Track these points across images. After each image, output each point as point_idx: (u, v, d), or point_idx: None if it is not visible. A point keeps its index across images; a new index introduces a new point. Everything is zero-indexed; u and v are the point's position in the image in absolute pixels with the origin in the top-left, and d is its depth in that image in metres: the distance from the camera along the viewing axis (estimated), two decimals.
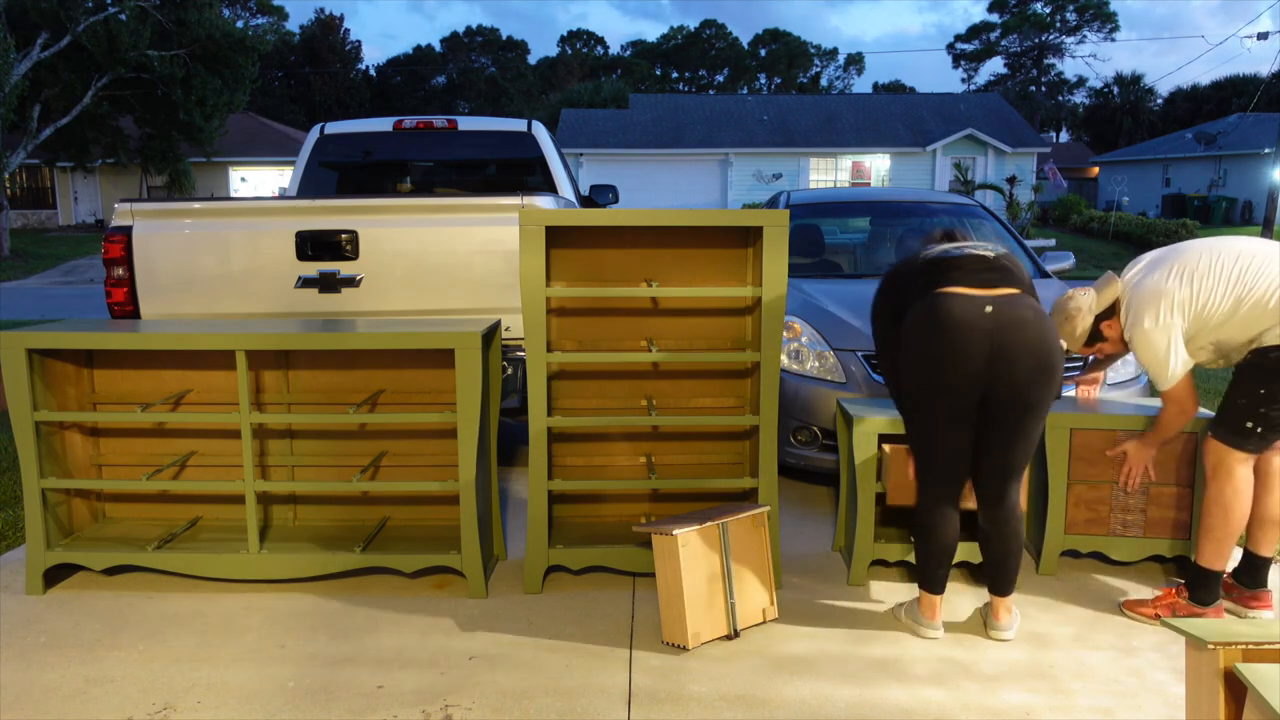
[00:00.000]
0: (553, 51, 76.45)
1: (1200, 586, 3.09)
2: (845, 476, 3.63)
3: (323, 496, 3.73)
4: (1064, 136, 57.84)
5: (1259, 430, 2.98)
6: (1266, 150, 26.42)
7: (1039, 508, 3.59)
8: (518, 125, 5.98)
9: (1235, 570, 3.25)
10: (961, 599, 3.31)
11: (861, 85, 66.48)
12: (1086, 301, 3.17)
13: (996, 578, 2.97)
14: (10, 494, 4.44)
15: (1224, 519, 3.02)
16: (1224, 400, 3.06)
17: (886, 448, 3.29)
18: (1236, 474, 3.02)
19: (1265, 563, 3.19)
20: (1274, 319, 2.92)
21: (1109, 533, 3.47)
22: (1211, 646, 1.90)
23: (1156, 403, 3.71)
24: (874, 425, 3.39)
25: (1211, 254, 3.00)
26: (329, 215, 4.02)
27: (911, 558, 3.48)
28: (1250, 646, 1.89)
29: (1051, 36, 55.92)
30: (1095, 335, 3.22)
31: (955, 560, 3.57)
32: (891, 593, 3.37)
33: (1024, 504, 3.29)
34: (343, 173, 6.12)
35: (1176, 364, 2.99)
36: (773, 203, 6.36)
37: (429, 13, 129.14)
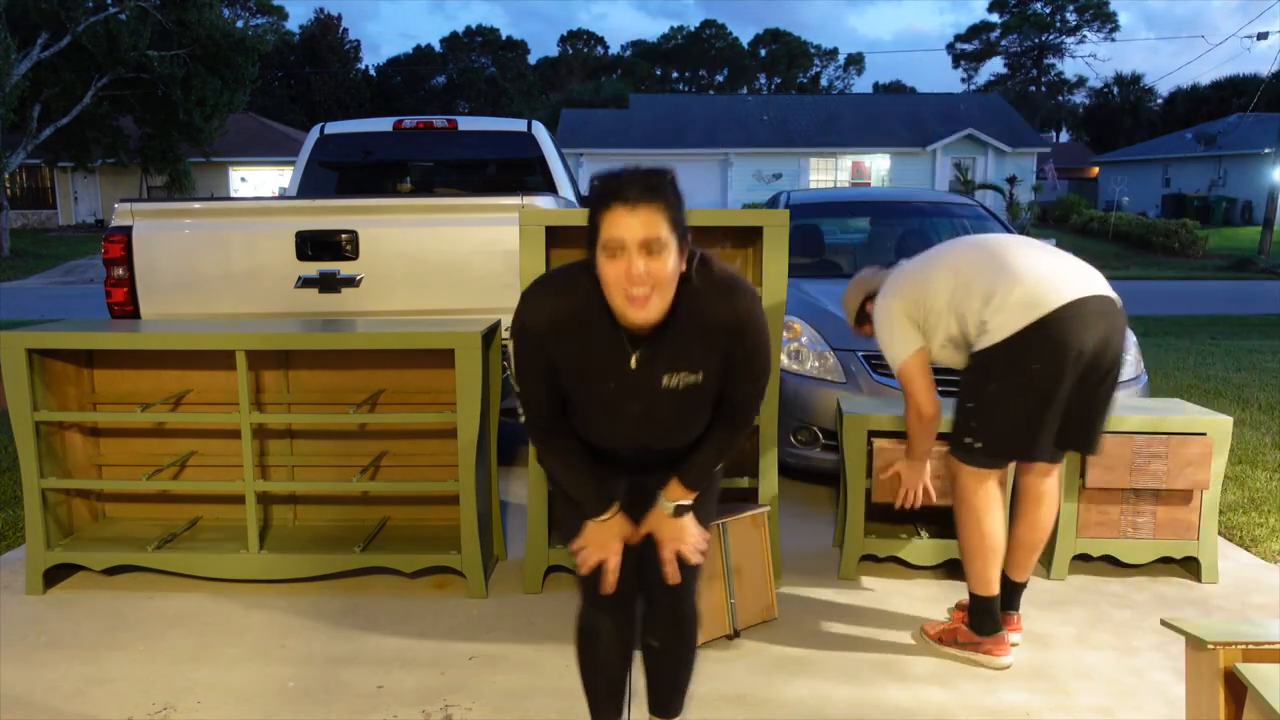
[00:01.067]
0: (553, 51, 76.49)
1: (974, 613, 2.86)
2: (844, 474, 3.64)
3: (323, 496, 3.73)
4: (1064, 136, 57.85)
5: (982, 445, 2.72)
6: (1266, 150, 26.42)
7: None
8: (518, 125, 5.98)
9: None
10: (961, 598, 3.30)
11: (862, 85, 66.54)
12: (863, 279, 3.03)
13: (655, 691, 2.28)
14: (10, 494, 4.44)
15: (973, 541, 2.81)
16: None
17: (876, 442, 3.30)
18: (972, 492, 2.77)
19: (1016, 587, 2.97)
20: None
21: (1119, 535, 3.47)
22: (1211, 646, 1.90)
23: (1158, 403, 3.72)
24: (865, 423, 3.40)
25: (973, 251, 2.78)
26: (329, 215, 4.02)
27: (903, 553, 3.48)
28: (1250, 646, 1.89)
29: (1051, 36, 55.94)
30: (863, 315, 3.05)
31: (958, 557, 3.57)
32: (884, 588, 3.37)
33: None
34: (343, 173, 6.12)
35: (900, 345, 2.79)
36: (773, 203, 6.36)
37: (437, 11, 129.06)
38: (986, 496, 2.78)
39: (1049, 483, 2.87)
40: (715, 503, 2.27)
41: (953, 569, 3.56)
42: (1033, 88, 57.15)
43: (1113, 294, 2.73)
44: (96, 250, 23.09)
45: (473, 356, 3.18)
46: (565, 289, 1.88)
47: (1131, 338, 4.47)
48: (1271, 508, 4.24)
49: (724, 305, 1.85)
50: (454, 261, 4.02)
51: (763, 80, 64.30)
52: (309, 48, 51.09)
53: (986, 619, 2.84)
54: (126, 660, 2.85)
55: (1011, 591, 2.98)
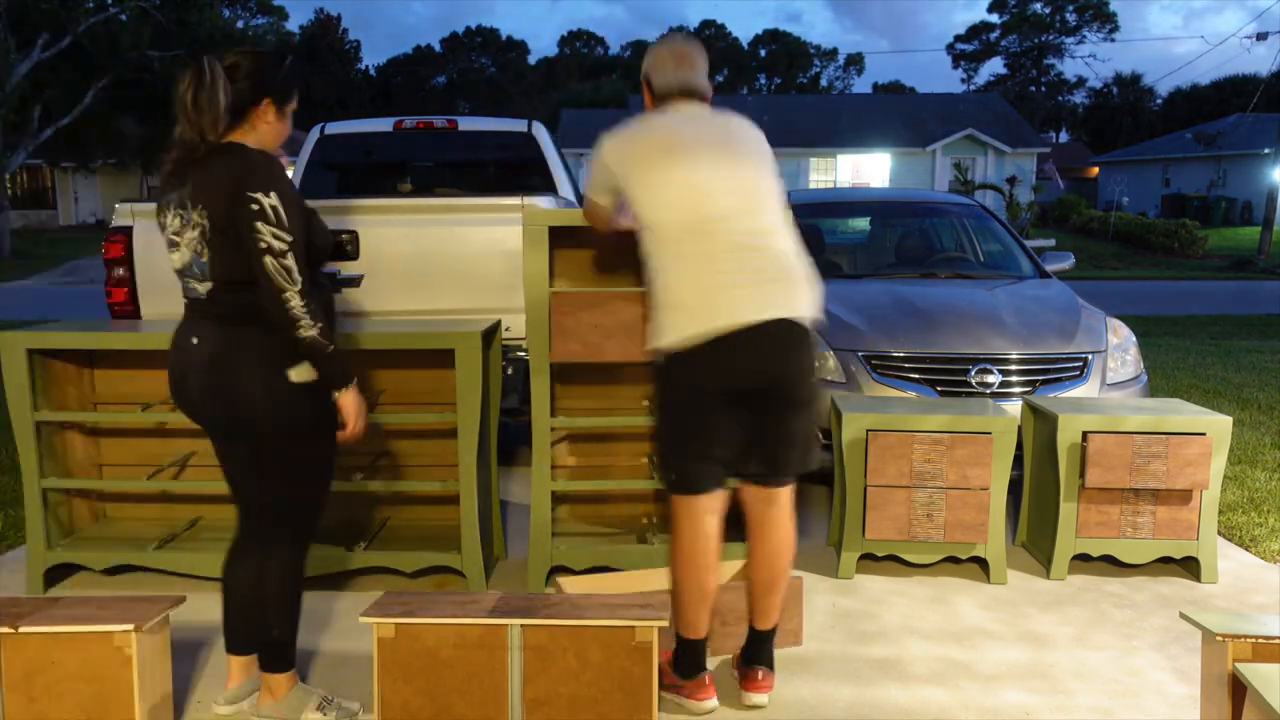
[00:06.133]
0: (553, 51, 76.52)
1: (678, 654, 2.59)
2: (838, 472, 3.64)
3: None
4: (1064, 136, 57.84)
5: (671, 473, 2.51)
6: (1266, 150, 26.41)
7: (1050, 511, 3.59)
8: (518, 125, 5.98)
9: (744, 645, 2.70)
10: (960, 598, 3.31)
11: (861, 85, 66.53)
12: None
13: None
14: (10, 494, 4.44)
15: (677, 577, 2.54)
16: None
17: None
18: (682, 524, 2.51)
19: (759, 636, 2.64)
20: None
21: (1119, 535, 3.47)
22: (1220, 639, 1.90)
23: (1158, 403, 3.72)
24: (862, 421, 3.41)
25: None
26: (329, 215, 4.00)
27: (902, 551, 3.48)
28: (1261, 641, 1.89)
29: (1051, 37, 55.93)
30: None
31: (968, 555, 3.58)
32: (883, 587, 3.37)
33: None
34: (343, 172, 6.12)
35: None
36: None
37: (448, 10, 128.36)
38: (699, 530, 2.50)
39: (769, 513, 2.61)
40: None
41: (952, 568, 3.56)
42: (1033, 88, 57.14)
43: (792, 313, 2.42)
44: (97, 251, 23.07)
45: (473, 356, 3.18)
46: None
47: (1131, 337, 4.47)
48: (1271, 508, 4.25)
49: None
50: (454, 261, 4.02)
51: (763, 80, 64.29)
52: (309, 48, 51.08)
53: (689, 663, 2.57)
54: None
55: (753, 641, 2.65)
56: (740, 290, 2.37)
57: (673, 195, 2.43)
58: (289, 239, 2.18)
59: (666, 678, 2.59)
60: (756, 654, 2.64)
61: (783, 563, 2.62)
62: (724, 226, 2.41)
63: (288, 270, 2.17)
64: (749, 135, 2.59)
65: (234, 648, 2.53)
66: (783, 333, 2.40)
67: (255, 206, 2.16)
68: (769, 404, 2.46)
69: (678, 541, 2.53)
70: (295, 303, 2.18)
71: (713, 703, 2.56)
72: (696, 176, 2.43)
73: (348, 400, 2.34)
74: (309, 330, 2.20)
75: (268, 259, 2.16)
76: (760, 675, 2.60)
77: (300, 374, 2.28)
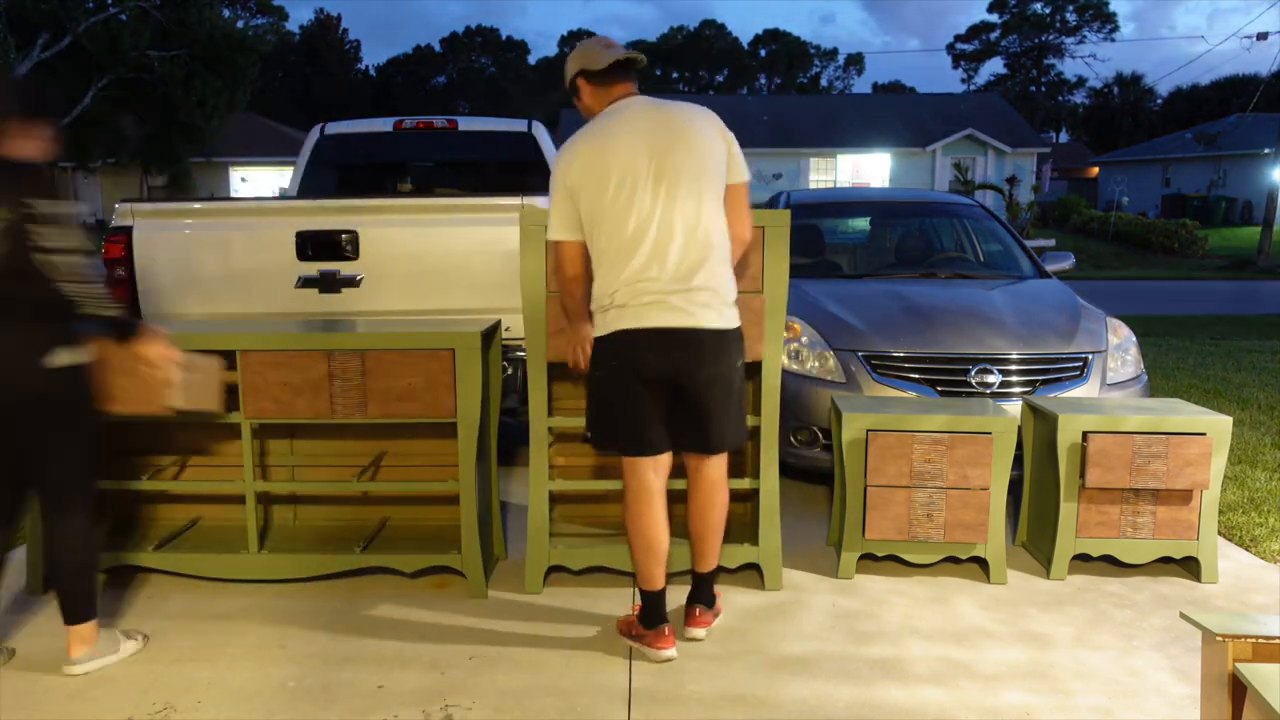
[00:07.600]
0: (553, 51, 76.52)
1: (642, 606, 2.92)
2: (838, 472, 3.64)
3: (323, 496, 3.73)
4: (1064, 136, 57.84)
5: (593, 435, 2.90)
6: (1266, 150, 26.42)
7: (1050, 511, 3.59)
8: (518, 125, 5.98)
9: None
10: (960, 598, 3.31)
11: (861, 85, 66.53)
12: None
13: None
14: None
15: (628, 531, 2.89)
16: None
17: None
18: (628, 483, 2.87)
19: (698, 579, 3.03)
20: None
21: (1119, 535, 3.47)
22: (1220, 639, 1.90)
23: (1158, 403, 3.72)
24: (862, 421, 3.41)
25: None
26: (329, 215, 4.02)
27: (902, 551, 3.49)
28: (1261, 641, 1.89)
29: (1051, 37, 55.97)
30: None
31: (968, 555, 3.58)
32: (883, 587, 3.37)
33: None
34: (343, 172, 6.12)
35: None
36: (773, 203, 6.36)
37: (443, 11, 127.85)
38: (642, 489, 2.84)
39: (698, 475, 2.93)
40: None
41: (952, 568, 3.56)
42: (1033, 88, 57.17)
43: (713, 324, 2.72)
44: (97, 250, 23.04)
45: (473, 356, 3.18)
46: None
47: (1132, 337, 4.47)
48: (1271, 508, 4.25)
49: None
50: (454, 261, 4.02)
51: (763, 80, 64.30)
52: (309, 48, 51.09)
53: (646, 611, 2.89)
54: (126, 660, 2.85)
55: (694, 583, 3.05)
56: (653, 298, 2.69)
57: (610, 214, 2.73)
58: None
59: (634, 628, 2.91)
60: (697, 594, 3.02)
61: (713, 515, 2.95)
62: (648, 242, 2.69)
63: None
64: (687, 136, 2.73)
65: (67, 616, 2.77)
66: (685, 339, 2.70)
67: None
68: (680, 390, 2.78)
69: (625, 497, 2.88)
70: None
71: (670, 652, 2.83)
72: (629, 204, 2.71)
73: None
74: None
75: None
76: (698, 612, 2.99)
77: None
